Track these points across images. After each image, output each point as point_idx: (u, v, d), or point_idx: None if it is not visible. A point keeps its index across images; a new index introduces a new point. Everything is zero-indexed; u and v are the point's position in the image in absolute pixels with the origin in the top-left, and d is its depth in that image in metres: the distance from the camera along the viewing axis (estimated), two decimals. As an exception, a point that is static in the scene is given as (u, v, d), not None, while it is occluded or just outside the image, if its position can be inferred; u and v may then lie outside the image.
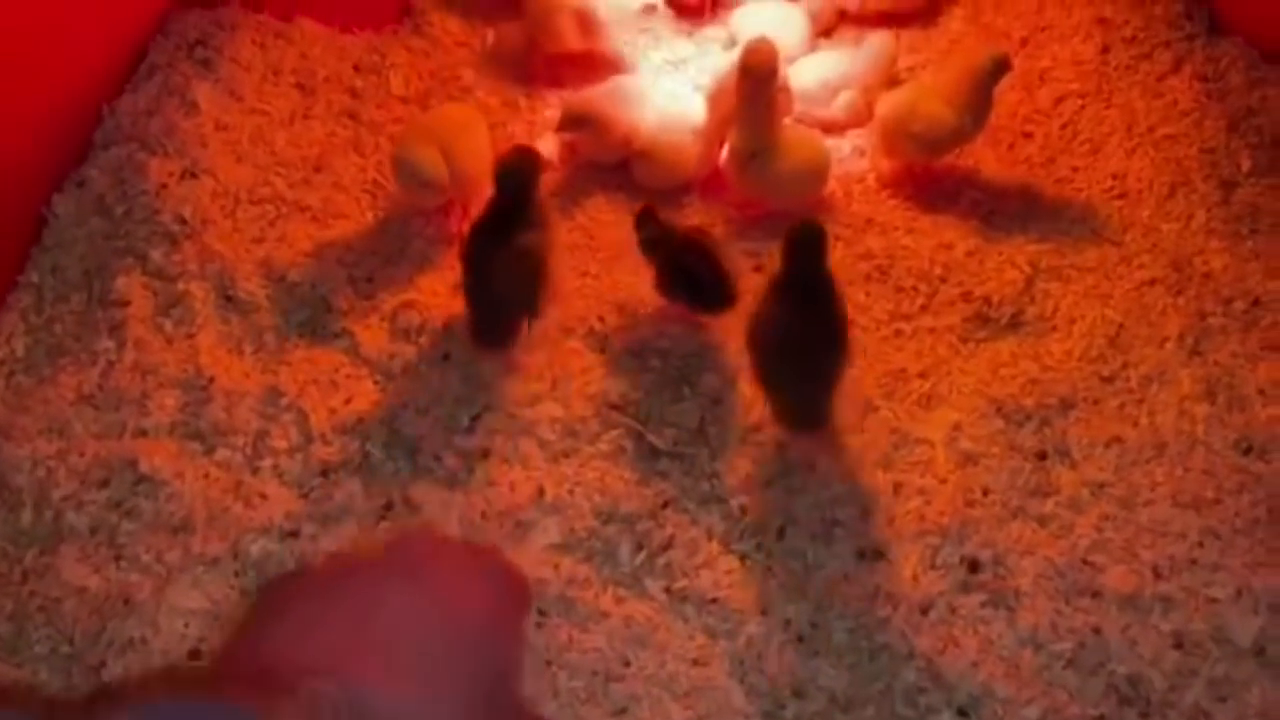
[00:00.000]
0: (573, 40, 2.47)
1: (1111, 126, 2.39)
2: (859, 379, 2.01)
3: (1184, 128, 2.36)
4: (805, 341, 1.82)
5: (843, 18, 2.68)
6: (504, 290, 1.98)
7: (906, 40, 2.62)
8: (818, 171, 2.24)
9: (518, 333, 2.02)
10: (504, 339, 2.02)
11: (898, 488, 1.90)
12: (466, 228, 2.11)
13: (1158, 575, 1.79)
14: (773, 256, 1.93)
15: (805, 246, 1.80)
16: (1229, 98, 2.38)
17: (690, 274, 2.01)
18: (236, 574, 1.81)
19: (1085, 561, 1.80)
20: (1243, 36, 2.45)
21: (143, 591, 1.78)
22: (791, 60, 2.45)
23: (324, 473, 1.92)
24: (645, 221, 2.08)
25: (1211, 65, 2.44)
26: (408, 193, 2.21)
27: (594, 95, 2.38)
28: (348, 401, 2.00)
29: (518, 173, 1.99)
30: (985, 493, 1.89)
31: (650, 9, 2.50)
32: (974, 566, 1.81)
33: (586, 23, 2.47)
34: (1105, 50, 2.50)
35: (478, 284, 1.99)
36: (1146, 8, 2.53)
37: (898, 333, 2.10)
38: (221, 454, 1.94)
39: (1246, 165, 2.29)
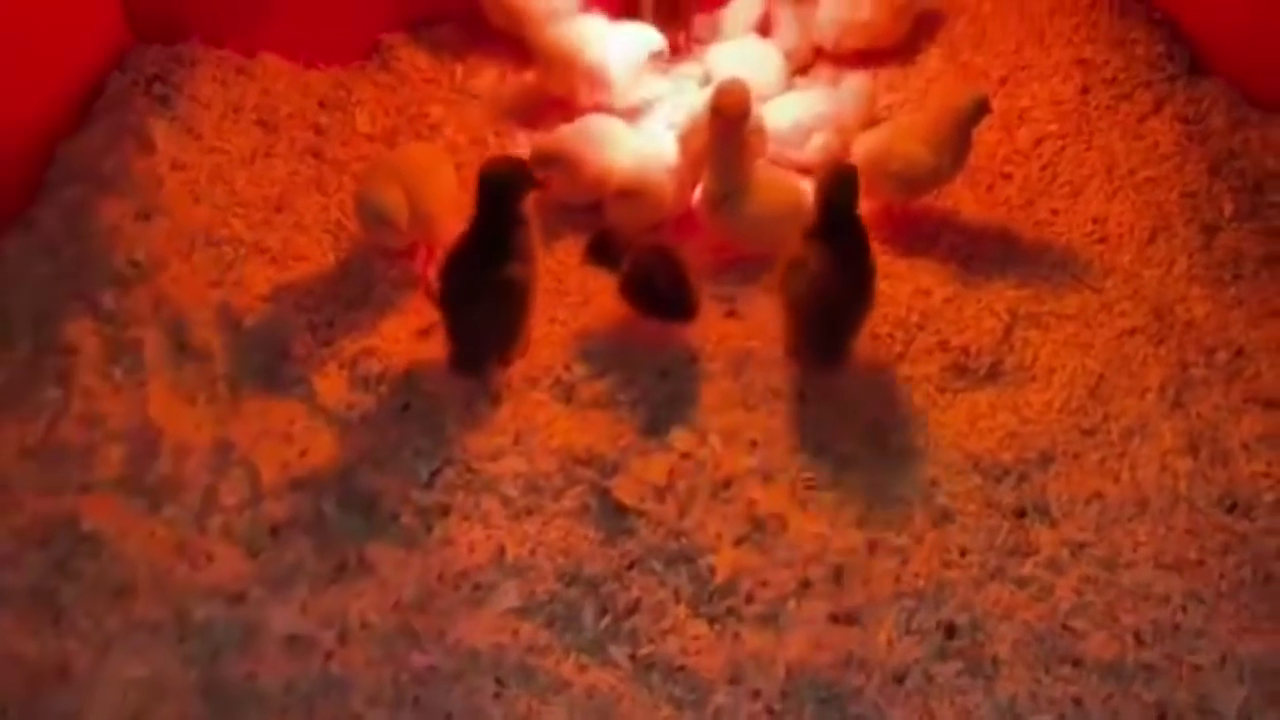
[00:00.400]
0: (585, 95, 2.43)
1: (1092, 169, 2.35)
2: (834, 430, 1.95)
3: (1165, 171, 2.32)
4: (838, 278, 1.90)
5: (819, 55, 2.64)
6: (486, 318, 1.94)
7: (884, 79, 2.58)
8: (792, 214, 2.18)
9: (495, 362, 2.00)
10: (482, 366, 1.99)
11: (873, 547, 1.84)
12: (432, 271, 2.06)
13: (1140, 642, 1.73)
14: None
15: (839, 188, 1.90)
16: (1210, 140, 2.34)
17: (649, 279, 1.98)
18: (180, 640, 1.73)
19: (1065, 627, 1.74)
20: (1224, 77, 2.42)
21: (81, 660, 1.70)
22: (766, 99, 2.40)
23: (274, 531, 1.84)
24: (600, 244, 2.04)
25: (1193, 107, 2.40)
26: (368, 233, 2.14)
27: (565, 134, 2.33)
28: (302, 455, 1.92)
29: (500, 182, 1.93)
30: (963, 553, 1.83)
31: (658, 55, 2.46)
32: (951, 631, 1.75)
33: (597, 79, 2.42)
34: (1085, 91, 2.46)
35: (459, 309, 1.94)
36: (1126, 48, 2.49)
37: (874, 383, 2.04)
38: (168, 511, 1.86)
39: (1229, 209, 2.25)
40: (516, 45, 2.58)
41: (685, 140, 2.25)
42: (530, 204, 1.99)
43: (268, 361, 2.06)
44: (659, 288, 1.98)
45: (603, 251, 2.04)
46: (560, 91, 2.46)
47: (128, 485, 1.89)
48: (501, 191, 1.92)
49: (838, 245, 1.91)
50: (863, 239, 1.92)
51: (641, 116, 2.48)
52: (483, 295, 1.91)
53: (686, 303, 2.00)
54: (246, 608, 1.75)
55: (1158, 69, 2.46)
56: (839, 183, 1.91)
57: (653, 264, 1.99)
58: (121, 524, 1.83)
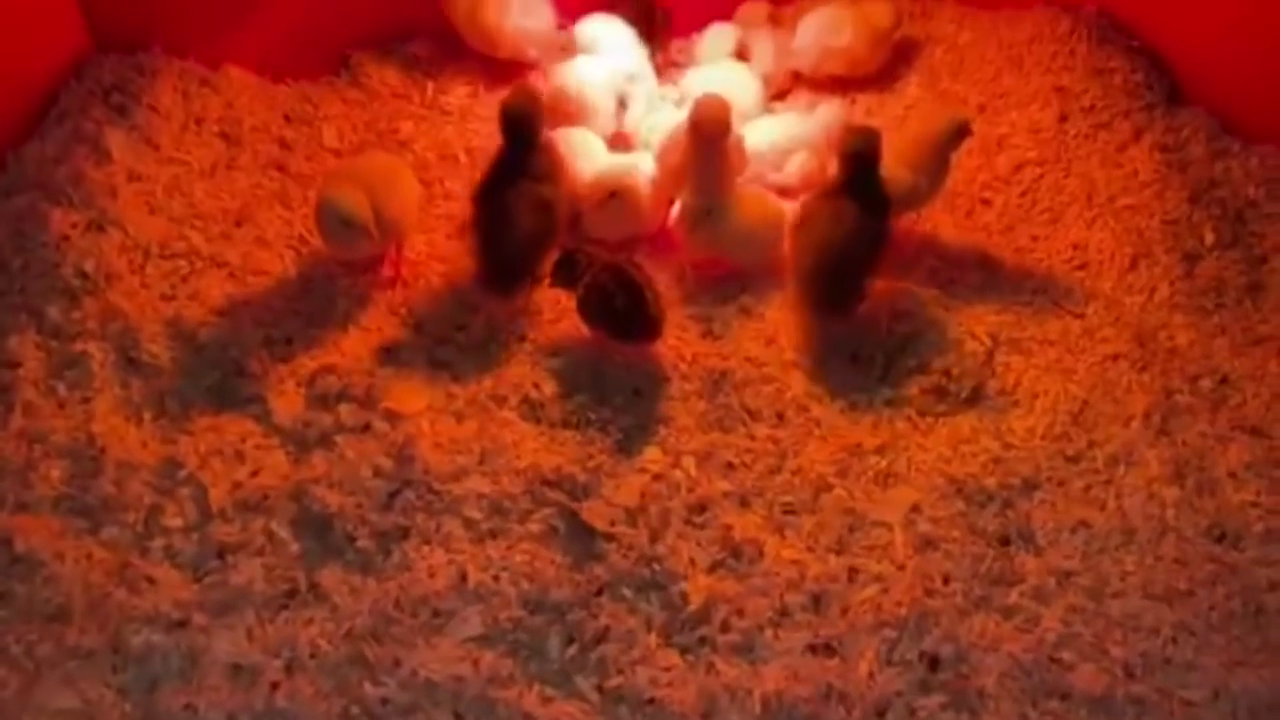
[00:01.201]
0: (608, 127, 2.42)
1: (1071, 196, 2.31)
2: (812, 453, 1.89)
3: (1145, 199, 2.29)
4: (854, 236, 1.96)
5: (797, 80, 2.61)
6: (525, 235, 1.98)
7: (862, 105, 2.55)
8: (772, 230, 2.14)
9: (528, 282, 2.03)
10: (518, 286, 2.03)
11: (853, 574, 1.76)
12: (402, 269, 2.08)
13: (1129, 674, 1.66)
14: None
15: (864, 141, 1.97)
16: (1190, 169, 2.32)
17: (606, 298, 1.92)
18: (114, 670, 1.62)
19: (1053, 659, 1.67)
20: (1204, 107, 2.41)
21: (8, 688, 1.59)
22: (744, 121, 2.36)
23: (221, 554, 1.74)
24: (565, 264, 1.99)
25: (1172, 135, 2.38)
26: (331, 239, 2.05)
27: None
28: (254, 474, 1.83)
29: (518, 110, 2.02)
30: (946, 581, 1.76)
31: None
32: (934, 663, 1.67)
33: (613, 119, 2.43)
34: (1064, 118, 2.43)
35: (497, 228, 1.98)
36: (1105, 76, 2.48)
37: (853, 406, 1.98)
38: (108, 532, 1.76)
39: (1210, 238, 2.22)
40: (490, 62, 2.53)
41: (662, 156, 2.21)
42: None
43: (221, 378, 1.97)
44: (617, 308, 1.92)
45: (567, 272, 1.98)
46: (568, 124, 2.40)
47: (66, 505, 1.79)
48: (521, 119, 2.03)
49: (848, 202, 1.98)
50: (883, 194, 2.00)
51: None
52: (508, 213, 1.98)
53: (645, 323, 1.93)
54: (188, 634, 1.65)
55: (1136, 98, 2.45)
56: (864, 137, 2.00)
57: (610, 283, 1.92)
58: (58, 545, 1.73)
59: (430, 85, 2.52)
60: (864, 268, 2.00)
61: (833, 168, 2.07)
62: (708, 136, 2.03)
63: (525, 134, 2.02)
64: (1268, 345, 2.08)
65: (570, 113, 2.37)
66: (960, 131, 2.14)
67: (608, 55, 2.45)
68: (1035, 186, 2.35)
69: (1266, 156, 2.32)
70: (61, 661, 1.62)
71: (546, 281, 2.04)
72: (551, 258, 2.02)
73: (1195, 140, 2.36)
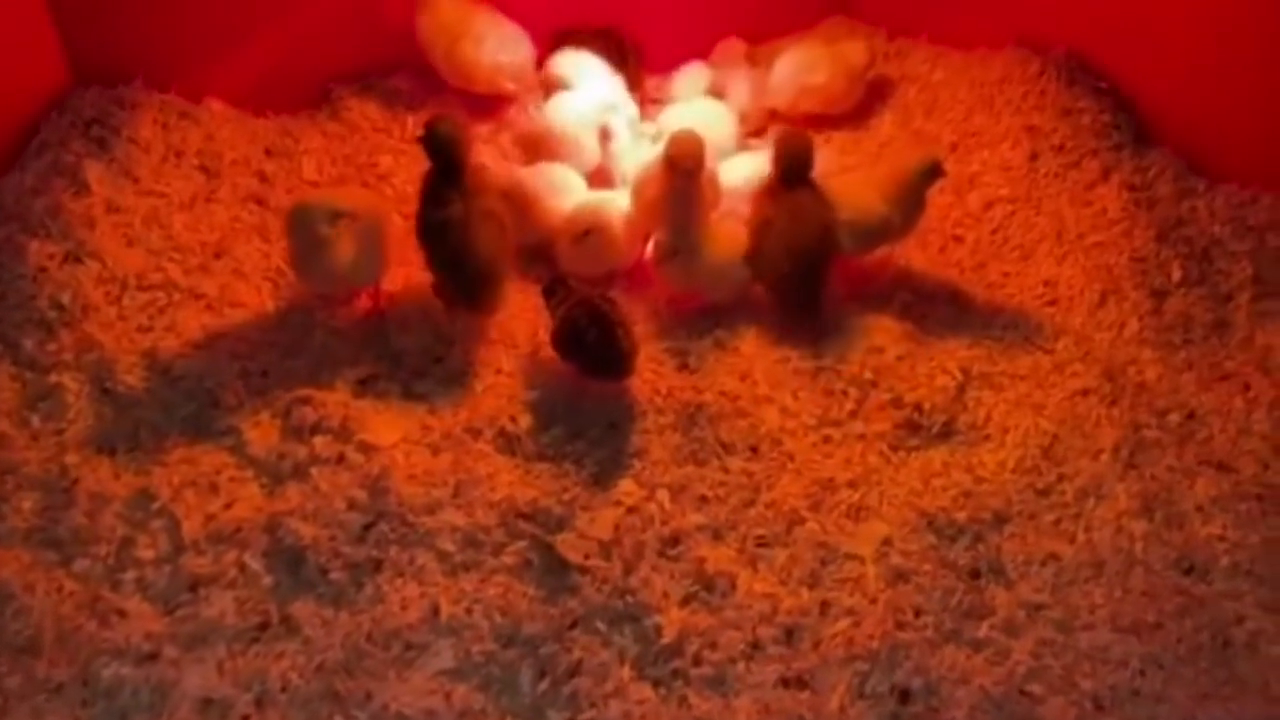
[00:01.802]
0: (591, 161, 2.45)
1: (1041, 233, 2.35)
2: (785, 487, 1.90)
3: (1113, 236, 2.33)
4: (800, 235, 2.06)
5: (773, 117, 2.65)
6: (480, 246, 1.99)
7: (837, 143, 2.59)
8: (744, 265, 2.16)
9: (497, 291, 2.05)
10: (493, 300, 2.05)
11: (825, 607, 1.77)
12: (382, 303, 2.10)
13: (1099, 707, 1.67)
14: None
15: (792, 155, 2.09)
16: (1158, 207, 2.36)
17: (579, 335, 1.93)
18: (84, 703, 1.61)
19: (1022, 692, 1.68)
20: (1170, 146, 2.46)
21: (-26, 723, 1.58)
22: (720, 157, 2.39)
23: (193, 587, 1.74)
24: (553, 286, 2.02)
25: (1140, 175, 2.42)
26: (307, 251, 2.00)
27: (521, 175, 2.31)
28: (227, 506, 1.83)
29: (439, 134, 2.01)
30: (917, 614, 1.77)
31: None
32: (905, 696, 1.68)
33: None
34: (1034, 157, 2.48)
35: (459, 247, 1.99)
36: (1074, 117, 2.52)
37: (826, 439, 1.99)
38: (79, 565, 1.75)
39: (1177, 275, 2.26)
40: (469, 97, 2.56)
41: (638, 191, 2.24)
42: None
43: (196, 410, 1.97)
44: (589, 343, 1.92)
45: (550, 298, 2.01)
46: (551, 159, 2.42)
47: (38, 537, 1.79)
48: (444, 142, 2.02)
49: (797, 197, 2.08)
50: (817, 191, 2.11)
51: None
52: (456, 228, 1.98)
53: (617, 360, 1.93)
54: (158, 667, 1.64)
55: (1104, 138, 2.49)
56: (796, 140, 2.12)
57: (583, 318, 1.92)
58: (28, 577, 1.72)
59: (410, 119, 2.54)
60: (828, 251, 2.10)
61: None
62: (683, 172, 2.06)
63: (451, 153, 2.02)
64: (1233, 381, 2.11)
65: (553, 148, 2.39)
66: (933, 170, 2.17)
67: (585, 88, 2.48)
68: (1006, 224, 2.39)
69: (1231, 195, 2.37)
70: (31, 694, 1.61)
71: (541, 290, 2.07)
72: (515, 267, 2.07)
73: (1162, 179, 2.41)
